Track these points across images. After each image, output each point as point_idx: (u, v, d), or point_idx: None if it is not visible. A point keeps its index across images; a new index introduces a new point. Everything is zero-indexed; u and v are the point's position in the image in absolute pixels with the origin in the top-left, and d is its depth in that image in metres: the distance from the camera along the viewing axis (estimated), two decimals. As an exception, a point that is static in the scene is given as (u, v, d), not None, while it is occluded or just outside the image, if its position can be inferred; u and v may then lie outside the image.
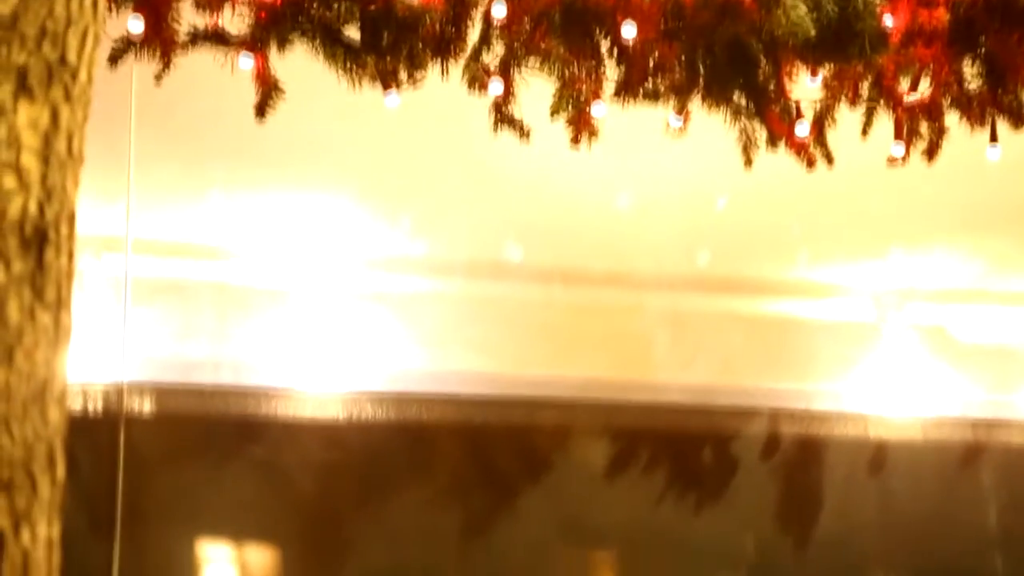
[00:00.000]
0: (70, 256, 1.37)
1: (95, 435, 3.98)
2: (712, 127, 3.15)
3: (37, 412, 1.30)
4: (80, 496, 3.84)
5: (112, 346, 4.06)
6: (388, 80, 3.02)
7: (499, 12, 2.97)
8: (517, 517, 4.54)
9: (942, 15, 3.12)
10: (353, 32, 2.97)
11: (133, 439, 3.98)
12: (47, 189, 1.35)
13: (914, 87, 3.22)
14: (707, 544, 4.67)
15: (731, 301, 4.90)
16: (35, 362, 1.30)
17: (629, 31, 3.00)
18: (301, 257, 4.49)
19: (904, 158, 3.33)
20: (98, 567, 3.70)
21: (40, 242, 1.32)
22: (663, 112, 3.15)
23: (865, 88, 3.20)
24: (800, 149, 3.25)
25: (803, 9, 2.96)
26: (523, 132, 3.13)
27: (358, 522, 4.46)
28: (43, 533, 1.29)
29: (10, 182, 1.30)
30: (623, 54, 3.08)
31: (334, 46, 2.99)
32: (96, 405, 4.05)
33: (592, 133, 3.14)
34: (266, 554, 4.25)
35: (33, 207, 1.33)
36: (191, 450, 4.33)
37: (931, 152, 3.29)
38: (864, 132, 3.22)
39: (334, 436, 4.43)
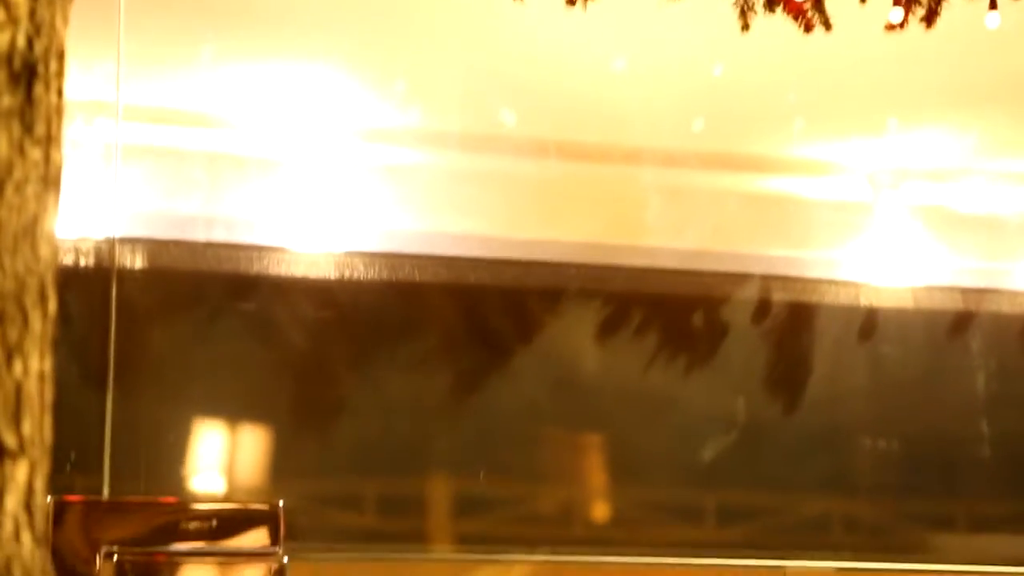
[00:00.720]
0: (59, 92, 1.36)
1: (87, 289, 3.99)
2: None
3: (28, 247, 1.30)
4: (73, 349, 3.86)
5: (104, 203, 4.06)
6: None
7: None
8: (508, 376, 4.57)
9: None
10: None
11: (125, 293, 3.99)
12: (36, 23, 1.33)
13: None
14: (697, 406, 4.71)
15: (725, 172, 4.89)
16: (25, 196, 1.29)
17: None
18: (294, 125, 4.47)
19: (902, 24, 3.30)
20: (91, 417, 3.73)
21: (29, 76, 1.31)
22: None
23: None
24: (798, 13, 3.22)
25: None
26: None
27: (348, 379, 4.49)
28: (35, 366, 1.30)
29: (-2, 15, 1.28)
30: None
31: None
32: (88, 260, 4.05)
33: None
34: (256, 408, 4.28)
35: (22, 41, 1.31)
36: (183, 305, 4.35)
37: (929, 18, 3.26)
38: (862, -2, 3.18)
39: (326, 294, 4.44)
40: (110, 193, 4.05)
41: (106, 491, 3.59)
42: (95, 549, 3.41)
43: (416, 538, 4.45)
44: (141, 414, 3.88)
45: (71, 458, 3.50)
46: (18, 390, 1.27)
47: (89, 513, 3.38)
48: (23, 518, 1.32)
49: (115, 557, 3.39)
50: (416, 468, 4.47)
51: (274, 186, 4.42)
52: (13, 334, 1.26)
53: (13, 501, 1.30)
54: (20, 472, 1.31)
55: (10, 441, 1.28)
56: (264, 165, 4.44)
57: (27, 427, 1.29)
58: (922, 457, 4.77)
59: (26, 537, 1.32)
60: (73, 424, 3.27)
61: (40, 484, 1.36)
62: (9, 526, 1.30)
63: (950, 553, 4.58)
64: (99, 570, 3.36)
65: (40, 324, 1.29)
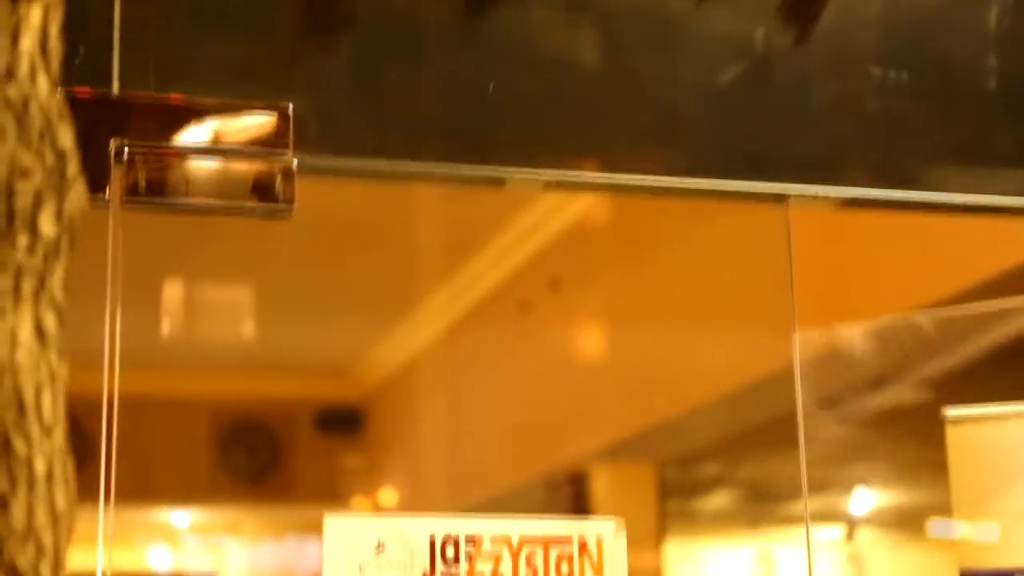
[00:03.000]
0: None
1: None
2: None
3: None
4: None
5: None
6: None
7: None
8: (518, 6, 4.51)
9: None
10: None
11: None
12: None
13: None
14: (714, 35, 4.67)
15: None
16: None
17: None
18: None
19: None
20: (100, 10, 3.69)
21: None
22: None
23: None
24: None
25: None
26: None
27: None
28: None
29: None
30: None
31: None
32: None
33: None
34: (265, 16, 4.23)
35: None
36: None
37: None
38: None
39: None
40: None
41: (116, 87, 3.59)
42: (104, 144, 3.44)
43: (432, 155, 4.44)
44: (150, 11, 3.83)
45: (79, 52, 3.49)
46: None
47: (98, 107, 3.40)
48: (39, 61, 1.33)
49: (125, 151, 3.43)
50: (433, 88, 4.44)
51: None
52: None
53: (28, 41, 1.31)
54: (35, 13, 1.32)
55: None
56: None
57: None
58: (929, 89, 4.77)
59: (42, 80, 1.34)
60: (80, 17, 3.25)
61: (55, 30, 1.36)
62: (25, 66, 1.31)
63: (952, 183, 4.63)
64: (109, 164, 3.41)
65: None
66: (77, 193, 1.44)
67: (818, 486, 8.98)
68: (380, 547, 1.83)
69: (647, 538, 7.63)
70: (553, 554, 1.88)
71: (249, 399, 9.73)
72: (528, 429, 7.35)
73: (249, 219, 3.59)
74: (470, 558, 1.86)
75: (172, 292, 8.38)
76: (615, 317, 7.07)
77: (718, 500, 8.08)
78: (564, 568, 1.89)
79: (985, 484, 2.82)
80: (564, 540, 1.89)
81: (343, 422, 9.26)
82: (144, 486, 9.98)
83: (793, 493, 8.16)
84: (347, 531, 1.84)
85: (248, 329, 9.06)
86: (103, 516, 1.89)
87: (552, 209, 7.02)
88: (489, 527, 1.87)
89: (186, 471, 9.76)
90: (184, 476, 9.81)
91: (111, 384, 1.85)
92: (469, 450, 7.15)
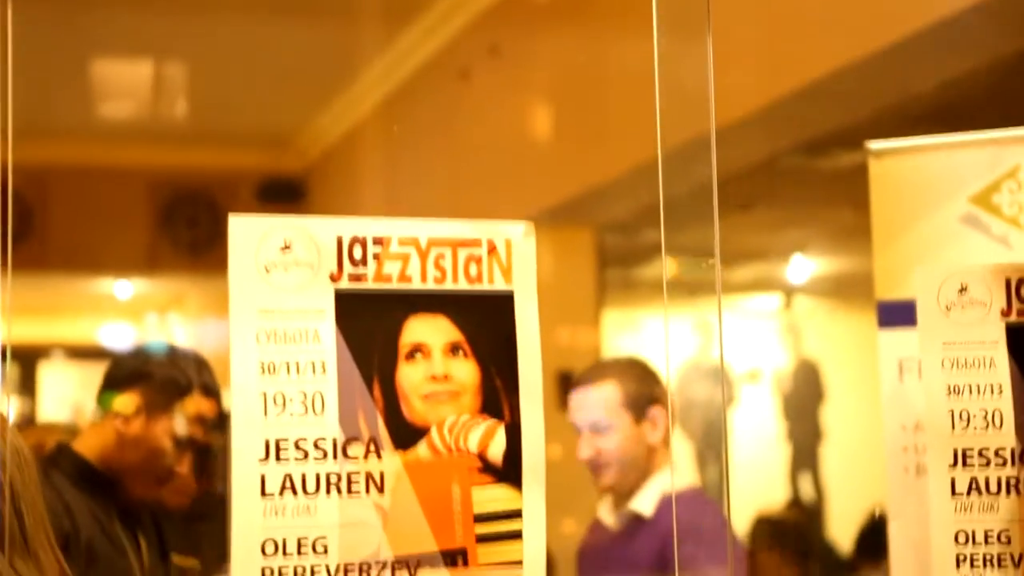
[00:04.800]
0: None
1: None
2: None
3: None
4: None
5: None
6: None
7: None
8: None
9: None
10: None
11: None
12: None
13: None
14: None
15: None
16: None
17: None
18: None
19: None
20: None
21: None
22: None
23: None
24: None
25: None
26: None
27: None
28: None
29: None
30: None
31: None
32: None
33: None
34: None
35: None
36: None
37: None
38: None
39: None
40: None
41: None
42: None
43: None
44: None
45: None
46: None
47: None
48: None
49: None
50: None
51: None
52: None
53: None
54: None
55: None
56: None
57: None
58: None
59: None
60: None
61: None
62: None
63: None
64: None
65: None
66: None
67: (756, 254, 9.06)
68: (287, 248, 1.82)
69: (586, 306, 7.70)
70: (462, 256, 1.88)
71: (190, 170, 9.66)
72: (468, 196, 7.35)
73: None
74: (377, 259, 1.85)
75: (105, 64, 8.26)
76: (555, 84, 7.02)
77: (657, 268, 8.14)
78: (473, 270, 1.88)
79: (904, 213, 2.84)
80: (473, 243, 1.89)
81: (285, 192, 9.22)
82: (85, 257, 9.96)
83: (736, 261, 8.24)
84: (252, 231, 1.83)
85: (189, 101, 8.95)
86: (2, 286, 1.87)
87: (490, -26, 6.92)
88: (397, 229, 1.86)
89: (127, 242, 9.72)
90: (125, 247, 9.77)
91: (3, 154, 1.82)
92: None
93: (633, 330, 9.19)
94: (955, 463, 2.24)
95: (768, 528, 6.33)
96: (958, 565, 2.22)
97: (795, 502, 9.59)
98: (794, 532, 6.64)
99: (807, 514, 9.25)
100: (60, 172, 8.75)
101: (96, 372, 3.48)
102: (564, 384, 3.86)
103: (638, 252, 8.33)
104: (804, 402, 10.05)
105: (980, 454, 2.23)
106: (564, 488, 2.30)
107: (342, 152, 9.22)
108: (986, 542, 2.21)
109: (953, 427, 2.24)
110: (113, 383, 3.36)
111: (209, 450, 3.34)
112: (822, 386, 10.03)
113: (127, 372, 3.39)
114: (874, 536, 5.19)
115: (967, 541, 2.22)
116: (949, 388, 2.25)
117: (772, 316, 10.73)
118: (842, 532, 7.16)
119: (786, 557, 5.98)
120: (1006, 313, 2.24)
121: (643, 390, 3.67)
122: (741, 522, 6.33)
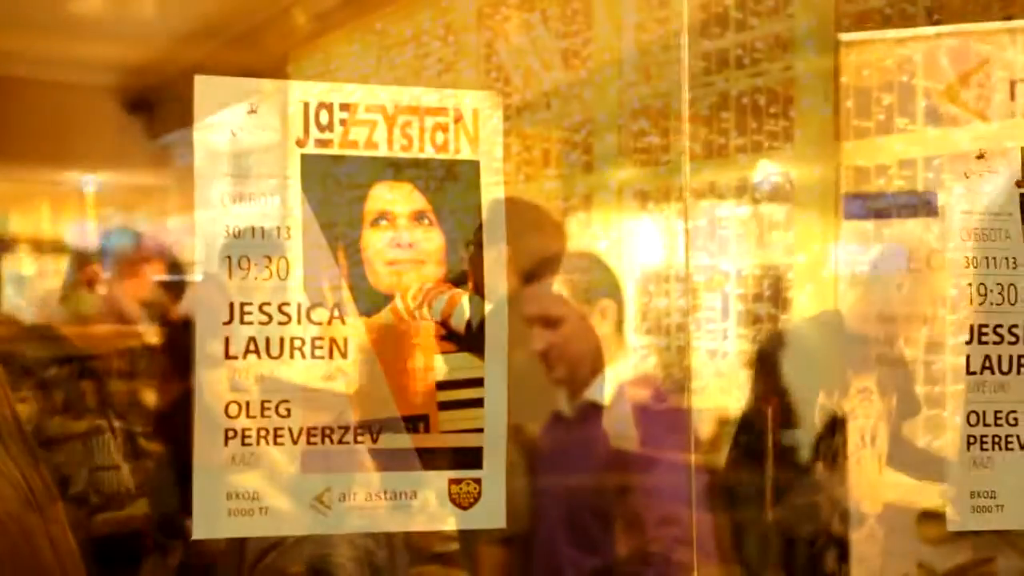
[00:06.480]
0: None
1: None
2: None
3: None
4: None
5: None
6: None
7: None
8: None
9: None
10: None
11: None
12: None
13: None
14: None
15: None
16: None
17: None
18: None
19: None
20: None
21: None
22: None
23: None
24: None
25: None
26: None
27: None
28: None
29: None
30: None
31: None
32: None
33: None
34: None
35: None
36: None
37: None
38: None
39: None
40: None
41: None
42: None
43: None
44: None
45: None
46: None
47: None
48: None
49: None
50: None
51: None
52: None
53: None
54: None
55: None
56: None
57: None
58: None
59: None
60: None
61: None
62: None
63: None
64: None
65: None
66: None
67: (721, 153, 9.03)
68: (253, 111, 1.81)
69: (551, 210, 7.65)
70: (429, 124, 1.87)
71: (159, 65, 9.51)
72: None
73: None
74: (344, 124, 1.84)
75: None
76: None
77: (623, 172, 8.13)
78: (439, 138, 1.88)
79: (870, 100, 2.84)
80: (440, 111, 1.88)
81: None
82: (51, 151, 9.83)
83: (703, 163, 8.19)
84: (218, 91, 1.81)
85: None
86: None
87: None
88: (364, 96, 1.85)
89: (93, 136, 9.59)
90: (91, 141, 9.64)
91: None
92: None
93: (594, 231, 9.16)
94: (971, 340, 2.21)
95: (727, 427, 6.36)
96: (968, 447, 2.20)
97: (754, 401, 9.62)
98: (753, 430, 6.68)
99: (764, 414, 9.29)
100: (26, 64, 8.63)
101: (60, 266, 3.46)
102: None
103: (605, 155, 8.28)
104: (766, 306, 10.07)
105: (995, 331, 2.21)
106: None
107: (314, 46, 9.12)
108: (996, 423, 2.21)
109: (971, 301, 2.21)
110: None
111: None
112: (784, 290, 10.04)
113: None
114: (830, 437, 5.23)
115: (977, 422, 2.20)
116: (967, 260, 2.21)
117: (736, 221, 10.71)
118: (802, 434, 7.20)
119: (746, 454, 6.02)
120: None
121: (592, 282, 3.68)
122: (704, 421, 6.36)
